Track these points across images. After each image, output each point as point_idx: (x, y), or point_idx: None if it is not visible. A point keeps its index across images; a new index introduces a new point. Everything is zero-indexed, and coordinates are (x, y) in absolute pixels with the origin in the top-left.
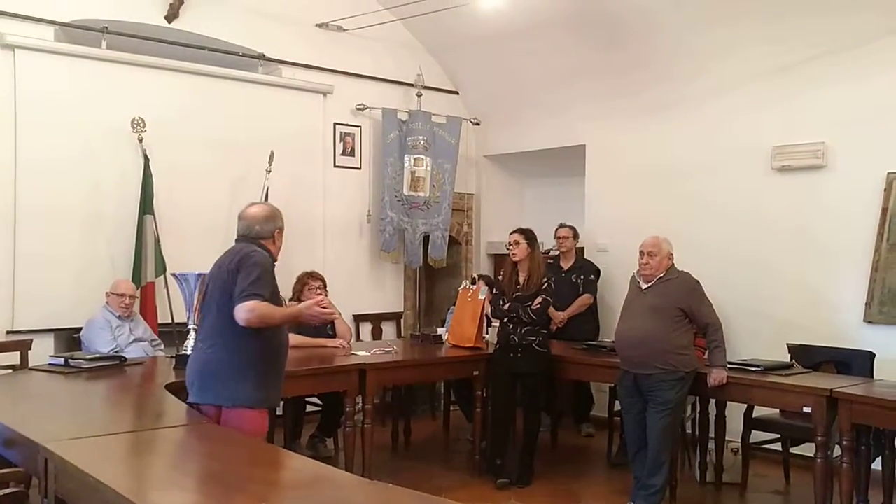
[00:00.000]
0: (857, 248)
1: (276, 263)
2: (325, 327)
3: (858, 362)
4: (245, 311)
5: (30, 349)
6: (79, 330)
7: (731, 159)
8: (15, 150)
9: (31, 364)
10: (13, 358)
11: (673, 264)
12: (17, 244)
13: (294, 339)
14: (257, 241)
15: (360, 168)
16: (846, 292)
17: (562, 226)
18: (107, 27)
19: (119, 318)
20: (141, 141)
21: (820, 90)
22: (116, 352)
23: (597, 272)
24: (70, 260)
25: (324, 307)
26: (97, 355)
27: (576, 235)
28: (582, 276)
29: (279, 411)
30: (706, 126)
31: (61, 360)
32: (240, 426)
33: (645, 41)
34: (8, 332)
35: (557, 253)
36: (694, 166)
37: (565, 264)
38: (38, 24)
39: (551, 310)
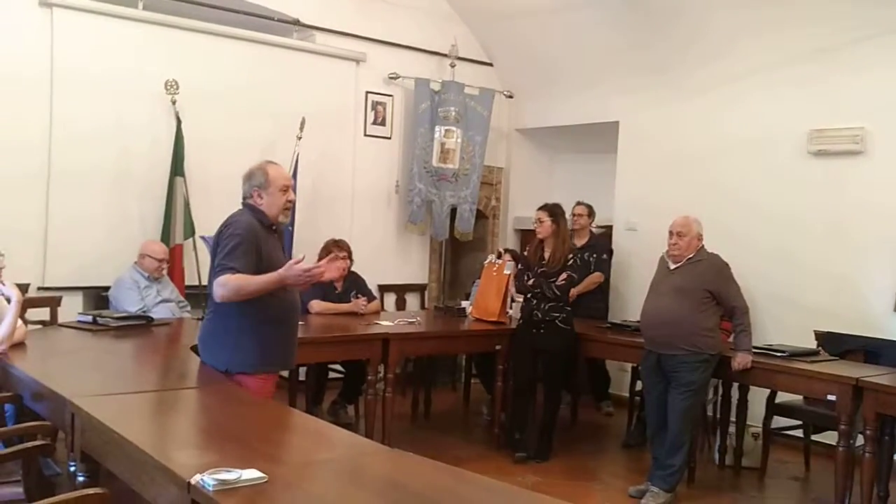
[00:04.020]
0: (891, 236)
1: (273, 223)
2: (350, 293)
3: (888, 352)
4: (218, 287)
5: (59, 306)
6: (107, 288)
7: (766, 142)
8: (50, 107)
9: (60, 320)
10: (43, 314)
11: (702, 245)
12: (49, 202)
13: (319, 305)
14: (245, 201)
15: (390, 138)
16: (878, 280)
17: (578, 203)
18: None
19: (147, 278)
20: (174, 103)
21: (862, 74)
22: (143, 312)
23: (610, 251)
24: (101, 219)
25: (307, 269)
26: (125, 314)
27: (591, 214)
28: (594, 255)
29: (301, 377)
30: (742, 107)
31: (90, 318)
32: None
33: (683, 19)
34: (39, 289)
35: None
36: (729, 147)
37: (578, 242)
38: None
39: None
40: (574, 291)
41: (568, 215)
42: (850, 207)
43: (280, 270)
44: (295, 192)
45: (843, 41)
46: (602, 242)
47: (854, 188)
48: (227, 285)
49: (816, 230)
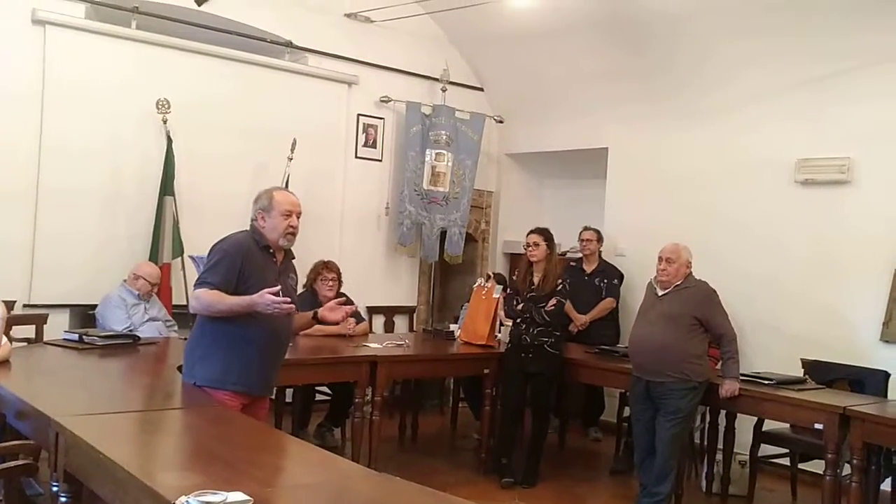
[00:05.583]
0: (878, 266)
1: (272, 247)
2: None
3: (872, 381)
4: (191, 299)
5: (45, 323)
6: (94, 307)
7: (754, 170)
8: (40, 125)
9: (45, 338)
10: (29, 331)
11: (691, 272)
12: (37, 220)
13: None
14: (251, 223)
15: (381, 160)
16: (864, 310)
17: (586, 228)
18: (137, 7)
19: (137, 297)
20: (165, 122)
21: (848, 105)
22: (130, 330)
23: (620, 276)
24: (89, 237)
25: (276, 300)
26: (111, 333)
27: (600, 239)
28: (605, 280)
29: (288, 398)
30: (731, 135)
31: (76, 336)
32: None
33: (673, 47)
34: (25, 306)
35: (580, 255)
36: (717, 175)
37: (588, 267)
38: (70, 1)
39: (574, 312)
40: (587, 318)
41: (576, 241)
42: (836, 236)
43: (253, 296)
44: None
45: (830, 72)
46: (612, 268)
47: (840, 217)
48: (200, 299)
49: (804, 258)
